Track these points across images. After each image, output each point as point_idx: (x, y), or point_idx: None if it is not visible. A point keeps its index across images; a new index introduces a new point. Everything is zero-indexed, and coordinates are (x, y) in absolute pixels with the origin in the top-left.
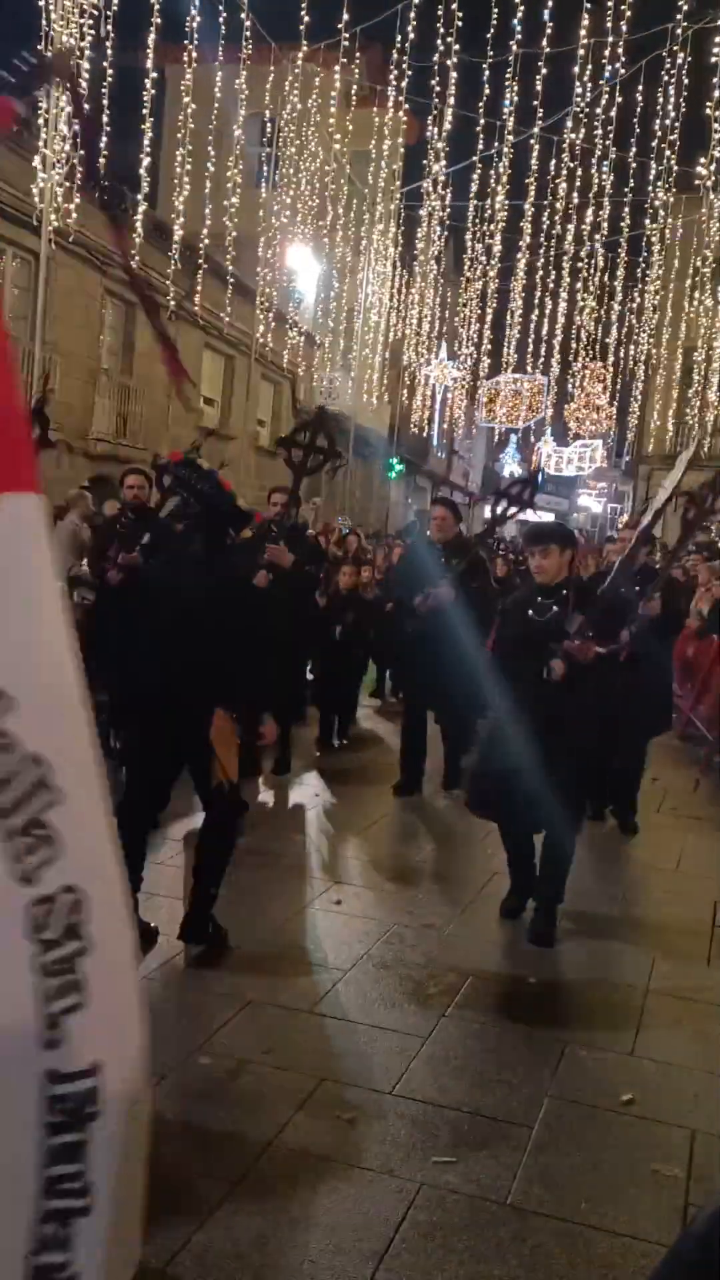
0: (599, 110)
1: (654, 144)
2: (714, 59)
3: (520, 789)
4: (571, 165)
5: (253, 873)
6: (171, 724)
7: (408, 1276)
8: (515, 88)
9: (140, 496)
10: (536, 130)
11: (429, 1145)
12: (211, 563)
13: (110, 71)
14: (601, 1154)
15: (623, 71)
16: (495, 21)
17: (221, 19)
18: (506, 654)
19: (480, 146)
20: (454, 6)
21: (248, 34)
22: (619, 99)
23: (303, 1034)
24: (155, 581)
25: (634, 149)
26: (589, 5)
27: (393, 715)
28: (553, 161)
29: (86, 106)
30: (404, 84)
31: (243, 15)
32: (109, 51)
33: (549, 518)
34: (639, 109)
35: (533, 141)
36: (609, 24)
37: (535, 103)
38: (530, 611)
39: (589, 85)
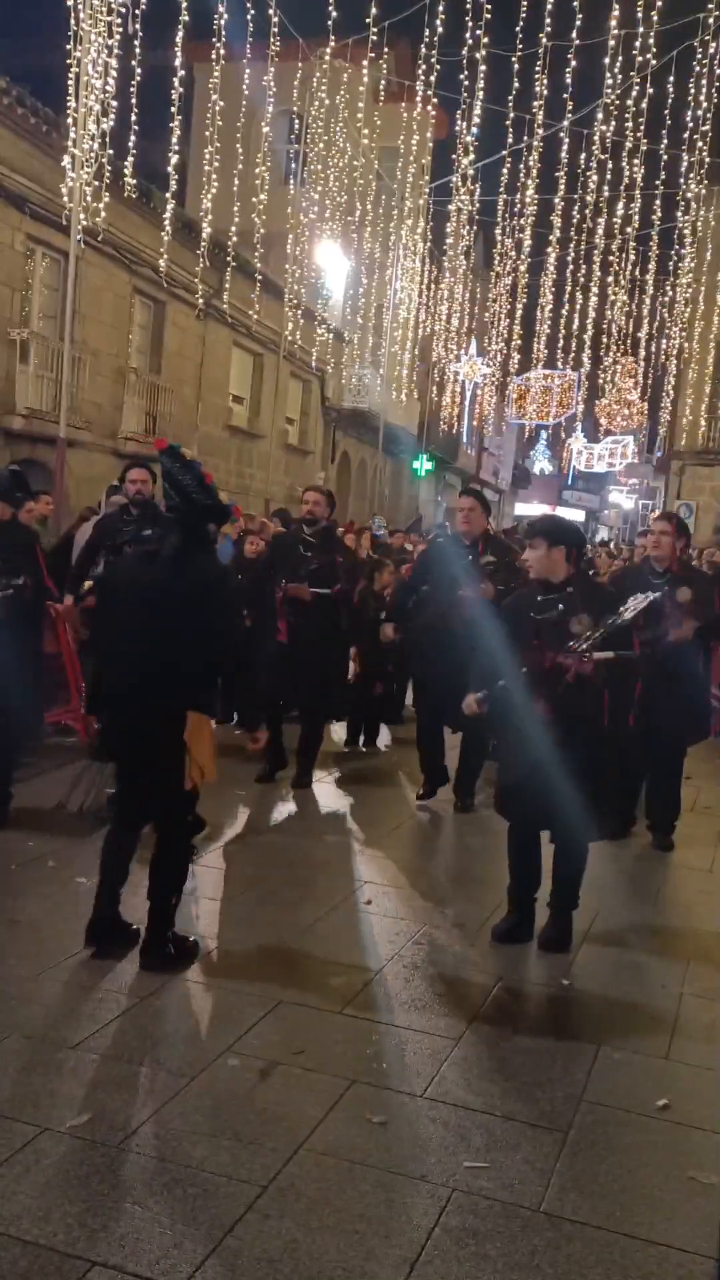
0: (629, 102)
1: (685, 135)
2: None
3: (531, 790)
4: (602, 158)
5: (282, 873)
6: (139, 722)
7: None
8: (544, 80)
9: (144, 491)
10: (566, 123)
11: (461, 1149)
12: (186, 559)
13: (138, 69)
14: (637, 1160)
15: (653, 63)
16: (524, 14)
17: (249, 15)
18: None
19: (509, 140)
20: None
21: (275, 30)
22: (649, 90)
23: (333, 1035)
24: (124, 576)
25: (665, 141)
26: None
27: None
28: (583, 154)
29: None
30: (432, 78)
31: (270, 12)
32: (137, 49)
33: (579, 515)
34: (670, 100)
35: (562, 135)
36: (639, 14)
37: (565, 95)
38: (532, 612)
39: (619, 77)
